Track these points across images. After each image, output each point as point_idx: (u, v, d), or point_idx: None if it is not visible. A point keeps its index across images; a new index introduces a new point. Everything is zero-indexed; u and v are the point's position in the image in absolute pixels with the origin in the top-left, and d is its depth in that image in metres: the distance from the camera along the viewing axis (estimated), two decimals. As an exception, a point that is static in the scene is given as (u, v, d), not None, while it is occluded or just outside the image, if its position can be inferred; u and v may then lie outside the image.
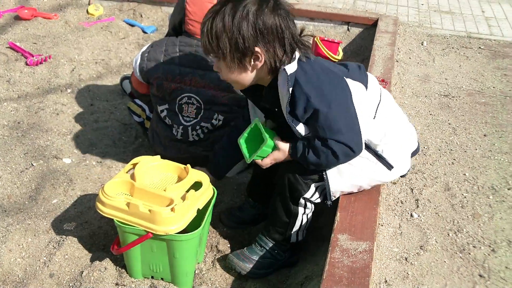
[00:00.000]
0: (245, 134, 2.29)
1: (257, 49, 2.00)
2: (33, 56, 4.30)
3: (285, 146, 2.21)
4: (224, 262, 2.50)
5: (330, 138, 2.08)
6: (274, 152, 2.22)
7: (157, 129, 2.97)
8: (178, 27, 2.93)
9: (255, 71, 2.11)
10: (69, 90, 3.94)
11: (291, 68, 2.06)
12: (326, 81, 2.10)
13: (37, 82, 4.02)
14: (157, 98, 2.89)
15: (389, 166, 2.30)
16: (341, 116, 2.09)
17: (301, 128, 2.13)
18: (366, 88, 2.24)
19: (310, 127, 2.13)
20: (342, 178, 2.26)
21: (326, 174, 2.23)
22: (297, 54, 2.09)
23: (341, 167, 2.24)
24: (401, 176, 2.54)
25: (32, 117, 3.58)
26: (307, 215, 2.39)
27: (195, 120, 2.86)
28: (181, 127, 2.88)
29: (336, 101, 2.08)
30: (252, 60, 2.05)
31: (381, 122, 2.25)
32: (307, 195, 2.29)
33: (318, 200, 2.34)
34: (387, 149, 2.26)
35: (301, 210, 2.35)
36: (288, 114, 2.10)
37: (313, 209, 2.39)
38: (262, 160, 2.25)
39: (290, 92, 2.05)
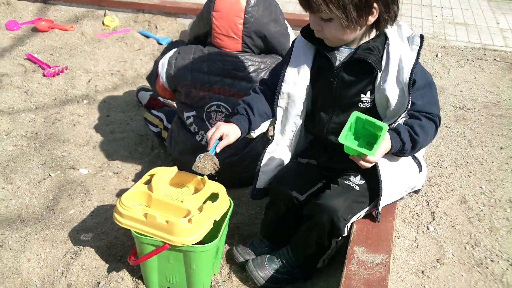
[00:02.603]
0: (347, 132, 1.98)
1: (375, 4, 1.97)
2: (50, 68, 4.35)
3: (386, 125, 1.98)
4: (240, 274, 2.50)
5: (436, 113, 2.15)
6: (383, 142, 1.99)
7: (178, 138, 3.00)
8: (202, 39, 2.96)
9: (364, 27, 2.06)
10: (85, 101, 3.98)
11: (408, 29, 2.10)
12: None
13: (54, 93, 4.07)
14: (184, 105, 2.92)
15: (420, 167, 2.33)
16: (437, 91, 2.20)
17: (409, 102, 2.10)
18: None
19: (419, 101, 2.13)
20: (393, 183, 2.24)
21: (381, 180, 2.17)
22: None
23: (395, 169, 2.24)
24: (415, 192, 2.54)
25: (49, 128, 3.61)
26: (337, 242, 2.35)
27: None
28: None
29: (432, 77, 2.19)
30: (368, 15, 2.00)
31: None
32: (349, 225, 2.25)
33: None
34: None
35: (334, 242, 2.33)
36: (407, 81, 2.08)
37: None
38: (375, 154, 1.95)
39: (417, 53, 2.07)
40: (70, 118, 3.75)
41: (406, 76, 2.08)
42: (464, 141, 3.25)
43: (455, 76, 4.26)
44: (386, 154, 2.10)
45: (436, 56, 4.64)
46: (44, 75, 4.26)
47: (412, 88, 2.08)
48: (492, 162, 3.01)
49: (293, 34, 3.09)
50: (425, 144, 2.22)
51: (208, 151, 2.22)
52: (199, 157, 2.22)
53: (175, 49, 2.98)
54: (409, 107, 2.11)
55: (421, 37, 2.11)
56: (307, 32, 2.19)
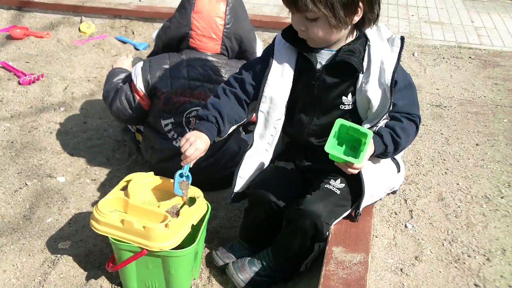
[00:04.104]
0: (333, 140, 2.00)
1: (360, 3, 1.97)
2: (25, 75, 4.30)
3: (370, 131, 2.00)
4: (220, 278, 2.49)
5: (416, 113, 2.18)
6: (368, 147, 2.00)
7: (155, 145, 2.98)
8: (174, 44, 2.93)
9: (348, 28, 2.06)
10: (62, 109, 3.95)
11: (387, 30, 2.12)
12: None
13: (30, 101, 4.03)
14: (161, 112, 2.89)
15: (398, 167, 2.35)
16: (416, 91, 2.24)
17: (391, 104, 2.12)
18: None
19: (400, 102, 2.15)
20: (374, 184, 2.25)
21: (363, 183, 2.17)
22: None
23: (376, 171, 2.25)
24: (392, 193, 2.56)
25: (25, 136, 3.58)
26: (319, 245, 2.33)
27: None
28: None
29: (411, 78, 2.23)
30: (354, 15, 2.00)
31: None
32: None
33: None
34: None
35: (317, 245, 2.32)
36: (389, 82, 2.09)
37: None
38: (362, 162, 1.97)
39: (398, 55, 2.08)
40: (47, 126, 3.72)
41: (388, 78, 2.08)
42: (441, 139, 3.28)
43: (432, 74, 4.29)
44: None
45: (413, 55, 4.68)
46: (19, 83, 4.22)
47: (393, 89, 2.09)
48: (468, 158, 3.04)
49: (259, 40, 3.11)
50: (407, 145, 2.25)
51: (183, 167, 2.24)
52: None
53: (141, 61, 2.94)
54: (391, 108, 2.12)
55: (402, 38, 2.12)
56: (288, 33, 2.18)
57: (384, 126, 2.17)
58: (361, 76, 2.13)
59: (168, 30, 2.93)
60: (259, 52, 3.07)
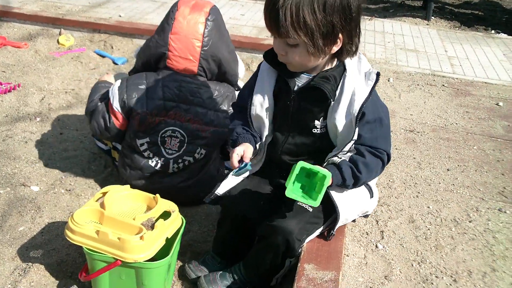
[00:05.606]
0: (292, 183, 2.07)
1: (340, 34, 2.01)
2: (1, 84, 4.29)
3: (329, 173, 2.07)
4: (192, 291, 2.51)
5: (384, 149, 2.20)
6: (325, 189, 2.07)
7: (132, 164, 2.98)
8: (153, 63, 2.96)
9: (327, 56, 2.11)
10: (38, 119, 3.94)
11: (366, 64, 2.15)
12: (376, 92, 2.22)
13: (5, 110, 4.01)
14: (136, 132, 2.90)
15: (372, 193, 2.40)
16: (389, 128, 2.26)
17: (356, 133, 2.16)
18: None
19: (366, 135, 2.18)
20: (347, 208, 2.30)
21: (337, 208, 2.23)
22: None
23: (347, 196, 2.29)
24: (364, 216, 2.61)
25: None
26: (290, 261, 2.37)
27: (178, 153, 2.91)
28: (162, 159, 2.93)
29: (387, 113, 2.25)
30: (332, 45, 2.04)
31: None
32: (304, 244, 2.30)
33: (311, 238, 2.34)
34: None
35: (288, 261, 2.35)
36: (356, 113, 2.12)
37: None
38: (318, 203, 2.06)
39: (371, 89, 2.12)
40: (22, 135, 3.70)
41: (356, 109, 2.13)
42: (414, 163, 3.34)
43: (406, 100, 4.39)
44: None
45: (388, 80, 4.77)
46: (-5, 92, 4.20)
47: (361, 121, 2.15)
48: (439, 183, 3.11)
49: (241, 62, 3.16)
50: (369, 180, 2.31)
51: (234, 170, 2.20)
52: None
53: (119, 81, 2.95)
54: (355, 138, 2.18)
55: (377, 74, 2.18)
56: (269, 56, 2.24)
57: (347, 159, 2.22)
58: (332, 103, 2.19)
59: (147, 49, 2.96)
60: (241, 74, 3.12)
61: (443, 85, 4.74)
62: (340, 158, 2.22)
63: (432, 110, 4.22)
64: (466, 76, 5.01)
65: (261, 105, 2.31)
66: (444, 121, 4.02)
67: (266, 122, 2.34)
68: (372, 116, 2.17)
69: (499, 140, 3.73)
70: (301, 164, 2.05)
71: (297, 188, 2.12)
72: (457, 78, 4.92)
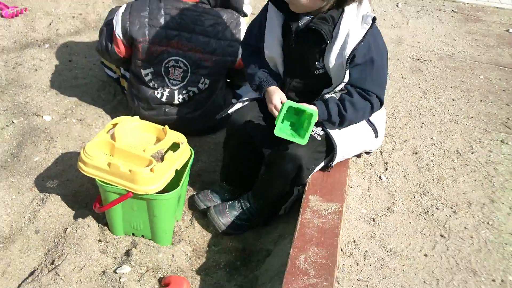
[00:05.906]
0: (281, 122, 2.19)
1: None
2: (8, 8, 4.26)
3: (316, 111, 2.17)
4: (202, 220, 2.61)
5: (373, 91, 2.23)
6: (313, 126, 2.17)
7: (139, 95, 3.01)
8: None
9: (331, 1, 2.12)
10: (47, 45, 3.95)
11: (366, 7, 2.15)
12: (379, 33, 2.23)
13: (13, 35, 4.01)
14: (141, 62, 2.92)
15: (376, 134, 2.44)
16: (385, 71, 2.27)
17: (347, 75, 2.20)
18: None
19: (355, 76, 2.21)
20: (346, 145, 2.35)
21: (335, 143, 2.29)
22: None
23: (347, 133, 2.34)
24: (366, 153, 2.68)
25: (10, 73, 3.59)
26: (298, 190, 2.46)
27: (182, 84, 2.93)
28: (167, 90, 2.95)
29: (386, 56, 2.26)
30: None
31: None
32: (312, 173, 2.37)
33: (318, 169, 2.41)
34: (376, 117, 2.41)
35: (296, 190, 2.44)
36: (347, 56, 2.15)
37: None
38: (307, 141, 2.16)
39: (365, 33, 2.14)
40: (32, 62, 3.73)
41: (348, 51, 2.16)
42: (419, 93, 3.37)
43: (414, 26, 4.35)
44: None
45: (397, 5, 4.71)
46: (2, 16, 4.18)
47: (351, 63, 2.18)
48: (444, 113, 3.14)
49: (248, 1, 3.12)
50: (356, 121, 2.34)
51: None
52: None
53: (125, 5, 2.94)
54: (345, 80, 2.22)
55: (374, 18, 2.17)
56: None
57: (336, 97, 2.26)
58: (329, 44, 2.20)
59: None
60: (248, 11, 3.09)
61: (453, 11, 4.68)
62: (331, 95, 2.27)
63: (440, 37, 4.19)
64: (477, 0, 4.92)
65: (273, 46, 2.34)
66: (451, 49, 4.00)
67: (280, 62, 2.38)
68: (363, 58, 2.19)
69: (506, 69, 3.72)
70: (288, 103, 2.13)
71: (286, 127, 2.21)
72: (467, 3, 4.84)
